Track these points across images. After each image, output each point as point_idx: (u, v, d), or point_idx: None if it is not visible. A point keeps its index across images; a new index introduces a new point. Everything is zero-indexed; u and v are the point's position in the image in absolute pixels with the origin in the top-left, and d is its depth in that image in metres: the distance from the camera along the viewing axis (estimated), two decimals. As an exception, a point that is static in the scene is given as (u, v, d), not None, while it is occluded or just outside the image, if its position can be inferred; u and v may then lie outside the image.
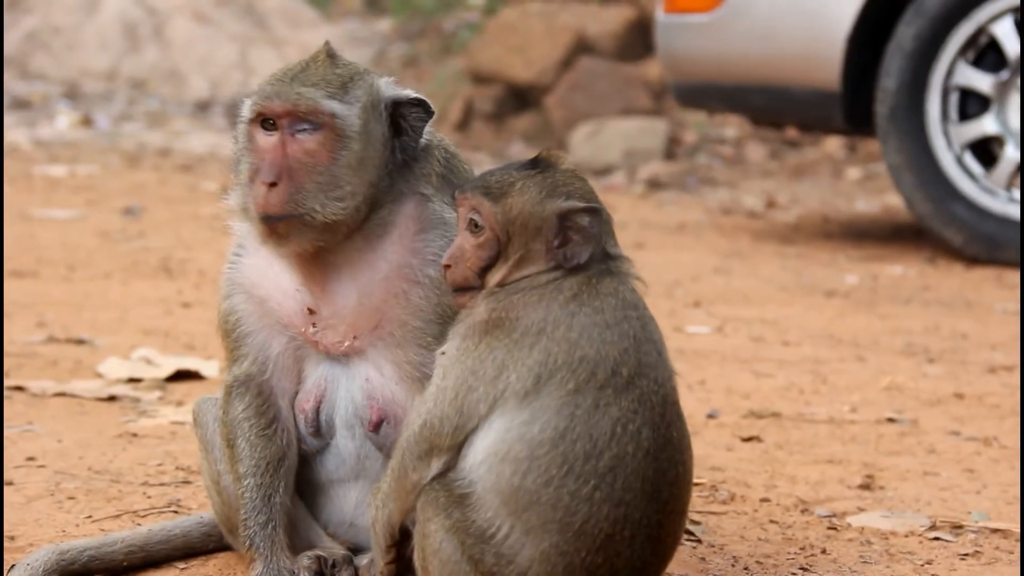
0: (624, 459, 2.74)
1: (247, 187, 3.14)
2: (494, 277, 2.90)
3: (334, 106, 3.10)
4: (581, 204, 2.86)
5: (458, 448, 2.83)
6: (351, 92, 3.13)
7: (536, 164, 2.93)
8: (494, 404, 2.79)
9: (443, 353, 2.90)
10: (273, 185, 3.07)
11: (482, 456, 2.80)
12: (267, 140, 3.12)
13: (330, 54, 3.18)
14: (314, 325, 3.21)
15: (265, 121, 3.12)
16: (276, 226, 3.09)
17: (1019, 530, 3.82)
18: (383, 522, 2.94)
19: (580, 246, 2.86)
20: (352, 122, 3.11)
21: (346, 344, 3.21)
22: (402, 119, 3.18)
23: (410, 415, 2.98)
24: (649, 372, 2.79)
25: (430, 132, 3.26)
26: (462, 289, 2.93)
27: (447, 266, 2.95)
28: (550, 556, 2.74)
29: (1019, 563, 3.62)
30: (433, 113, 3.19)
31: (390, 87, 3.20)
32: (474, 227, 2.91)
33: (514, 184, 2.89)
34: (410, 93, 3.20)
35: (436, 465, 2.85)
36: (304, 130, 3.10)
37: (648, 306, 2.90)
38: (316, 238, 3.12)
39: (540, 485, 2.73)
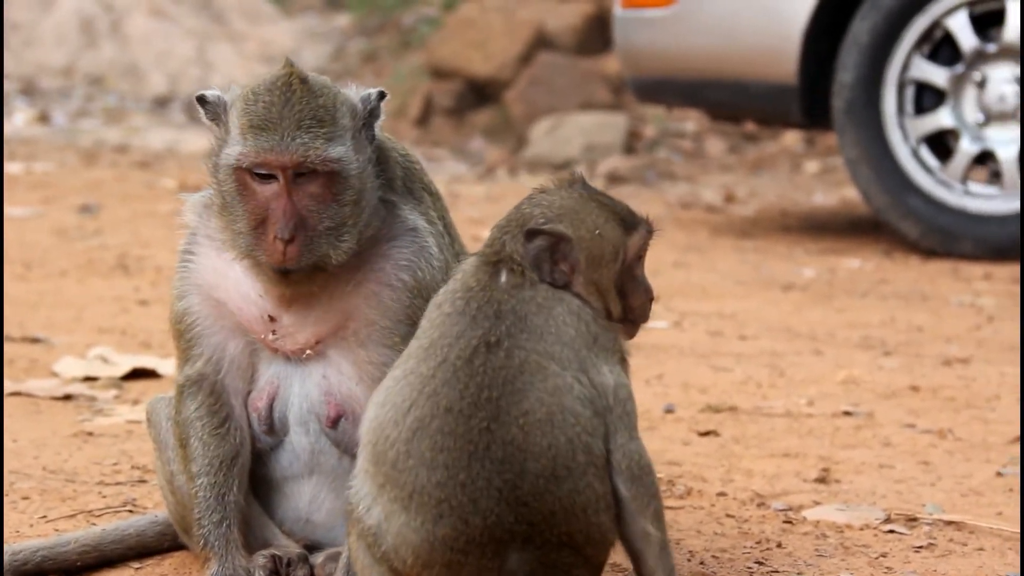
0: (424, 420, 2.76)
1: (250, 235, 3.09)
2: None
3: (339, 151, 3.06)
4: None
5: None
6: (339, 123, 3.08)
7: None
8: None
9: None
10: (290, 241, 3.05)
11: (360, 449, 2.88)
12: (267, 189, 3.07)
13: (302, 78, 3.10)
14: (274, 332, 3.21)
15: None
16: (290, 275, 3.10)
17: (977, 523, 3.86)
18: None
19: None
20: (351, 159, 3.08)
21: (307, 352, 3.21)
22: (372, 116, 3.18)
23: None
24: (453, 341, 2.82)
25: (385, 137, 3.26)
26: None
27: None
28: (406, 536, 2.75)
29: (976, 556, 3.65)
30: (385, 95, 3.19)
31: (357, 96, 3.16)
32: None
33: None
34: (373, 92, 3.18)
35: None
36: (304, 175, 3.06)
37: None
38: (325, 275, 3.13)
39: (372, 463, 2.78)
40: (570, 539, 2.77)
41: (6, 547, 3.34)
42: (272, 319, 3.20)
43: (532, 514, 2.74)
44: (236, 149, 3.07)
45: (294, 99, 3.06)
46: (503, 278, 2.89)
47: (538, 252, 2.91)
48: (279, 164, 3.04)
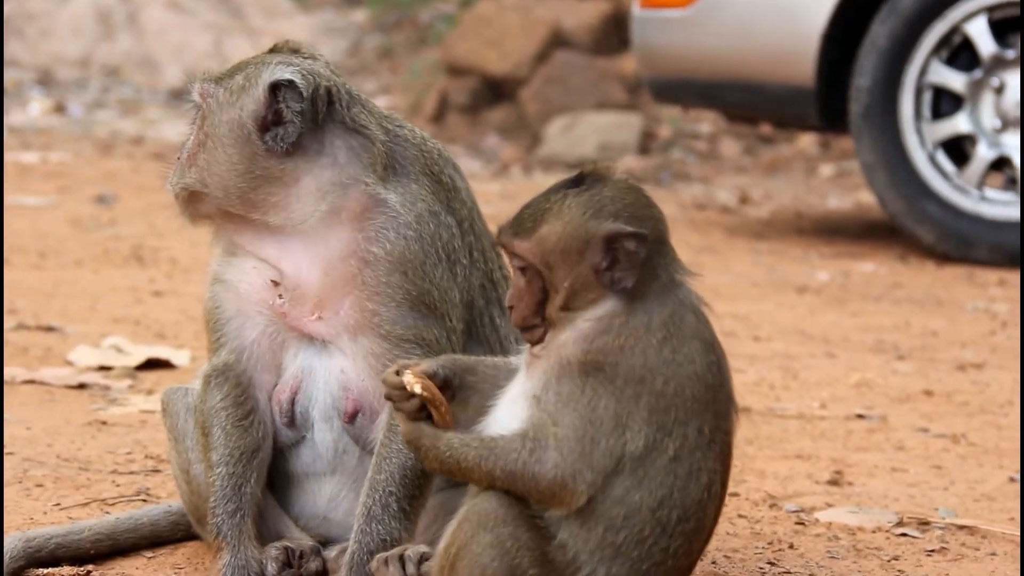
0: (703, 520, 2.82)
1: None
2: (552, 309, 2.80)
3: (206, 87, 3.28)
4: (626, 228, 2.74)
5: None
6: (235, 79, 3.25)
7: (581, 181, 2.82)
8: (618, 463, 2.73)
9: (534, 395, 2.77)
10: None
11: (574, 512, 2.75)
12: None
13: (268, 50, 3.32)
14: (280, 297, 3.23)
15: None
16: (177, 199, 3.30)
17: (989, 528, 3.85)
18: (445, 452, 2.79)
19: (627, 271, 2.75)
20: (213, 99, 3.26)
21: (314, 316, 3.21)
22: (282, 103, 3.19)
23: (500, 451, 2.76)
24: (723, 423, 2.79)
25: (399, 125, 3.28)
26: (528, 328, 2.83)
27: (511, 307, 2.85)
28: None
29: (988, 561, 3.65)
30: (288, 83, 3.19)
31: (277, 70, 3.21)
32: (521, 269, 2.83)
33: (549, 210, 2.80)
34: (284, 75, 3.20)
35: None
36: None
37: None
38: (202, 210, 3.27)
39: (632, 544, 2.76)
40: None
41: (20, 534, 3.35)
42: (275, 283, 3.23)
43: None
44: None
45: (239, 62, 3.34)
46: (689, 325, 2.83)
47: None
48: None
